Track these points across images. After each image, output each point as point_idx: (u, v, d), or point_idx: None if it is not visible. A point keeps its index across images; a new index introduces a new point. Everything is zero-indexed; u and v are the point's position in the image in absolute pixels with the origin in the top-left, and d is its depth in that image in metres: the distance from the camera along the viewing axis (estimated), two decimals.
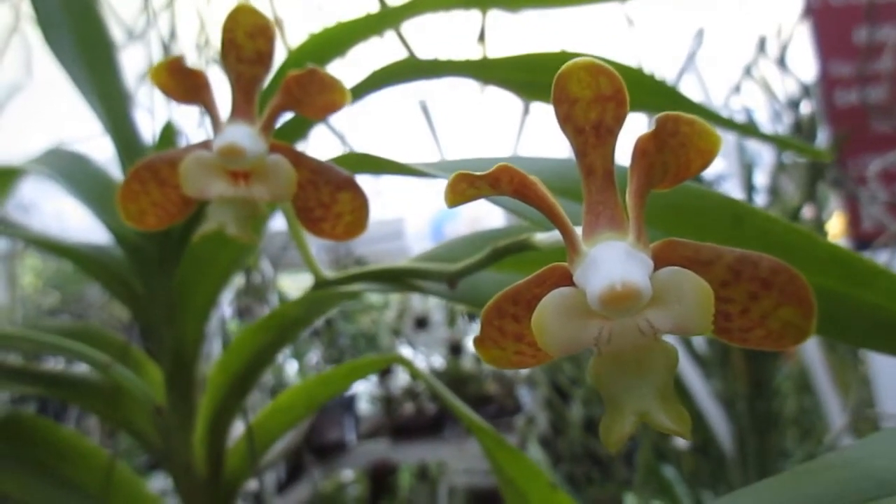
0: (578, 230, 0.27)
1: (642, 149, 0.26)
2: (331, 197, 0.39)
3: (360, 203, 0.40)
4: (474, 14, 0.94)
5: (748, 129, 0.71)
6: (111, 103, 0.68)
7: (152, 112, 0.88)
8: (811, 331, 0.26)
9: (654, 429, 0.24)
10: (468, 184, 0.27)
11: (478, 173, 0.27)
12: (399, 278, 0.48)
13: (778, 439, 1.53)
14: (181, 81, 0.38)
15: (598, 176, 0.27)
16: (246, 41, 0.38)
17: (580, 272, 0.26)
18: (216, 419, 0.56)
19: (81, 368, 0.65)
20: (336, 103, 0.39)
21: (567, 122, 0.27)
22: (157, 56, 0.96)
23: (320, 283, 0.49)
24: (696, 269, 0.25)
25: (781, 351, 1.56)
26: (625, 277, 0.24)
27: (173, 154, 0.39)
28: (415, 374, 0.59)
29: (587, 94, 0.26)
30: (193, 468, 0.56)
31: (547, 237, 0.37)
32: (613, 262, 0.25)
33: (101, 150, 0.71)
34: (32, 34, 1.10)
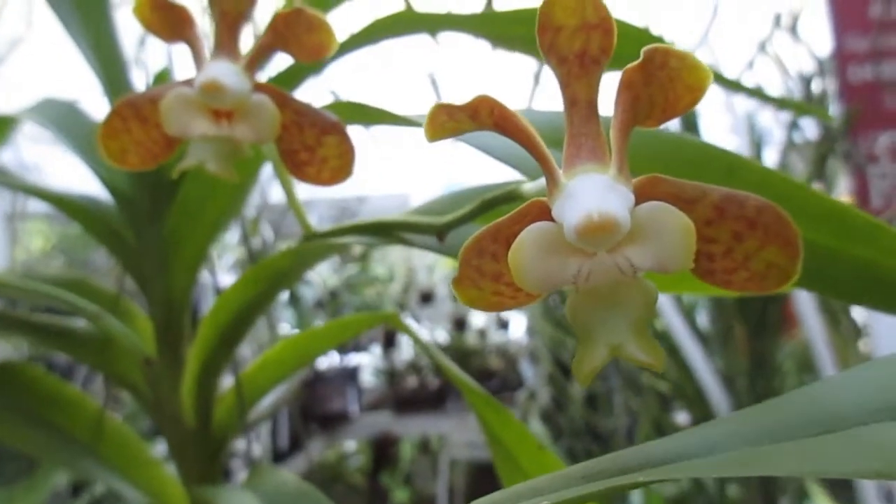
0: None
1: (628, 80, 0.25)
2: (316, 140, 0.39)
3: (347, 148, 0.39)
4: None
5: (756, 92, 0.69)
6: (106, 58, 0.67)
7: (148, 72, 0.87)
8: (796, 272, 0.26)
9: (627, 361, 0.23)
10: (448, 115, 0.26)
11: (457, 103, 0.26)
12: (388, 231, 0.47)
13: None
14: (164, 16, 0.37)
15: (581, 107, 0.26)
16: None
17: (558, 205, 0.25)
18: (205, 370, 0.56)
19: (76, 321, 0.65)
20: (324, 45, 0.38)
21: (551, 50, 0.26)
22: None
23: (309, 236, 0.49)
24: (680, 207, 0.24)
25: (784, 327, 1.55)
26: (602, 208, 0.23)
27: (156, 91, 0.38)
28: (408, 333, 0.59)
29: (572, 22, 0.25)
30: (182, 419, 0.56)
31: (535, 185, 0.36)
32: (592, 193, 0.24)
33: (100, 107, 0.71)
34: None
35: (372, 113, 0.44)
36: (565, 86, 0.26)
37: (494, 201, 0.40)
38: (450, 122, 0.27)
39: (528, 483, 0.21)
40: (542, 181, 0.35)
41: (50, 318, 0.64)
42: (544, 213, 0.26)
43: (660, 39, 0.59)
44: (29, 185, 0.61)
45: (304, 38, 0.38)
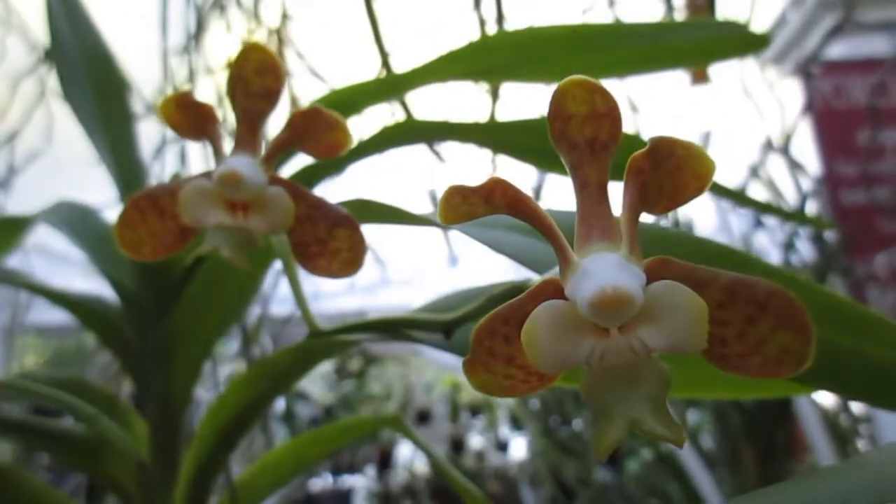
0: None
1: (637, 166, 0.26)
2: (328, 233, 0.39)
3: (357, 240, 0.40)
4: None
5: (759, 203, 0.71)
6: (125, 167, 0.69)
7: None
8: (809, 357, 0.25)
9: (646, 436, 0.23)
10: (462, 198, 0.27)
11: (471, 185, 0.27)
12: (394, 328, 0.47)
13: None
14: (189, 115, 0.39)
15: (592, 189, 0.27)
16: (254, 77, 0.39)
17: (572, 282, 0.25)
18: (200, 475, 0.54)
19: (65, 422, 0.63)
20: (340, 143, 0.40)
21: (562, 138, 0.27)
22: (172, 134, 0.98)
23: (315, 333, 0.49)
24: (691, 289, 0.25)
25: (794, 452, 1.51)
26: (616, 282, 0.23)
27: (174, 184, 0.39)
28: (411, 437, 0.57)
29: (582, 111, 0.27)
30: None
31: (542, 280, 0.37)
32: (606, 269, 0.24)
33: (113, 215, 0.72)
34: (56, 106, 1.14)
35: (385, 211, 0.45)
36: (576, 169, 0.27)
37: (502, 297, 0.40)
38: (464, 204, 0.27)
39: None
40: (549, 275, 0.35)
41: (39, 420, 0.63)
42: (557, 292, 0.26)
43: None
44: (33, 284, 0.61)
45: (320, 137, 0.39)
